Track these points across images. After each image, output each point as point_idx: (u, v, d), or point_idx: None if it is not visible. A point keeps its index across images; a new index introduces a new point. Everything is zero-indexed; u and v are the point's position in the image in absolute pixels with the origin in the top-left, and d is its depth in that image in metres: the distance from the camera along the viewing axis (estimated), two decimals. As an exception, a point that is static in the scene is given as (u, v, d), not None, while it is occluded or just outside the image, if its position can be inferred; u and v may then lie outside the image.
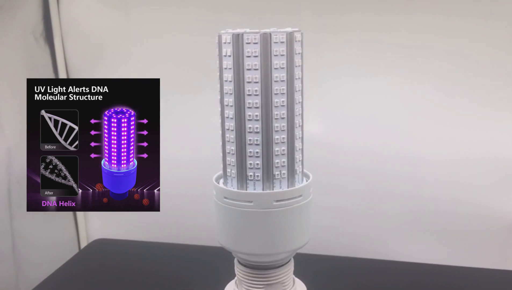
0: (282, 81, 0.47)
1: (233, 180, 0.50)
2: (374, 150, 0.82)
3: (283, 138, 0.48)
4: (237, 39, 0.46)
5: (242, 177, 0.49)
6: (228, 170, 0.50)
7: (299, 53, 0.48)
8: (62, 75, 0.92)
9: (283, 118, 0.48)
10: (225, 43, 0.47)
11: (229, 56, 0.47)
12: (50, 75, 0.91)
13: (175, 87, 0.87)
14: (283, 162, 0.49)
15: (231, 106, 0.48)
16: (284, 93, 0.47)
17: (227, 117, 0.49)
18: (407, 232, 0.84)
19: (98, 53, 0.90)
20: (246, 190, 0.49)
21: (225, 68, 0.48)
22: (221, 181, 0.52)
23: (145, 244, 0.90)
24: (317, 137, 0.83)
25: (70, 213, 0.97)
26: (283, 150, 0.48)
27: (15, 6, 0.82)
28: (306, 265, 0.60)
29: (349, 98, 0.82)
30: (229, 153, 0.49)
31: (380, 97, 0.81)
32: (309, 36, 0.80)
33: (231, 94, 0.48)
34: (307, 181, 0.52)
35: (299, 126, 0.50)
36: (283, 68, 0.47)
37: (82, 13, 0.90)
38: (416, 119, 0.80)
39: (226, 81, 0.48)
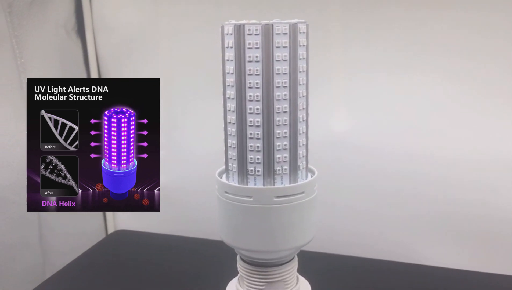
0: (284, 74, 0.46)
1: (234, 174, 0.49)
2: (403, 149, 0.79)
3: (285, 132, 0.47)
4: (239, 30, 0.45)
5: (243, 172, 0.48)
6: (230, 164, 0.49)
7: (303, 45, 0.47)
8: (93, 68, 0.93)
9: (285, 112, 0.46)
10: (227, 34, 0.46)
11: (231, 47, 0.46)
12: (81, 68, 0.93)
13: (204, 82, 0.87)
14: (285, 157, 0.47)
15: (233, 98, 0.47)
16: (286, 86, 0.46)
17: (229, 110, 0.48)
18: (431, 233, 0.81)
19: (129, 47, 0.91)
20: (247, 185, 0.48)
21: (227, 60, 0.47)
22: (224, 175, 0.51)
23: (163, 236, 0.91)
24: (344, 135, 0.81)
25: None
26: (285, 145, 0.47)
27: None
28: (314, 263, 0.58)
29: (378, 97, 0.80)
30: (230, 146, 0.49)
31: (411, 96, 0.78)
32: (338, 32, 0.80)
33: (232, 86, 0.47)
34: (312, 177, 0.50)
35: (303, 120, 0.48)
36: (285, 60, 0.46)
37: (113, 7, 0.91)
38: (446, 119, 0.77)
39: (228, 73, 0.47)
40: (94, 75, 0.94)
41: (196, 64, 0.87)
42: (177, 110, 0.90)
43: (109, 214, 0.99)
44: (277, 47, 0.45)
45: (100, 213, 1.00)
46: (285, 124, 0.47)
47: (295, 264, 0.52)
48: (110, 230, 1.00)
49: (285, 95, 0.46)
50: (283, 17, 0.47)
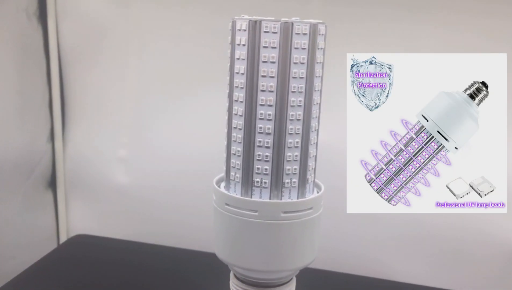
0: (301, 78, 0.42)
1: (236, 185, 0.44)
2: None
3: (297, 142, 0.43)
4: (254, 27, 0.41)
5: (248, 183, 0.43)
6: (232, 173, 0.44)
7: (321, 48, 0.43)
8: (54, 57, 0.85)
9: (298, 119, 0.42)
10: (239, 30, 0.42)
11: (244, 45, 0.42)
12: (41, 55, 0.85)
13: (178, 78, 0.81)
14: (295, 169, 0.43)
15: (241, 102, 0.42)
16: (302, 92, 0.42)
17: (236, 114, 0.43)
18: None
19: (95, 38, 0.84)
20: (251, 197, 0.43)
21: (238, 59, 0.42)
22: (222, 184, 0.47)
23: (130, 243, 0.83)
24: None
25: (51, 204, 0.90)
26: (296, 155, 0.43)
27: None
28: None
29: None
30: (234, 154, 0.44)
31: None
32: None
33: (242, 88, 0.42)
34: (318, 192, 0.46)
35: (315, 130, 0.44)
36: (303, 63, 0.41)
37: None
38: None
39: (237, 73, 0.42)
40: (54, 65, 0.86)
41: (171, 58, 0.81)
42: (147, 108, 0.84)
43: (61, 215, 0.91)
44: (295, 48, 0.41)
45: (52, 214, 0.91)
46: (298, 133, 0.43)
47: (292, 286, 0.48)
48: (63, 233, 0.92)
49: (300, 101, 0.42)
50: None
